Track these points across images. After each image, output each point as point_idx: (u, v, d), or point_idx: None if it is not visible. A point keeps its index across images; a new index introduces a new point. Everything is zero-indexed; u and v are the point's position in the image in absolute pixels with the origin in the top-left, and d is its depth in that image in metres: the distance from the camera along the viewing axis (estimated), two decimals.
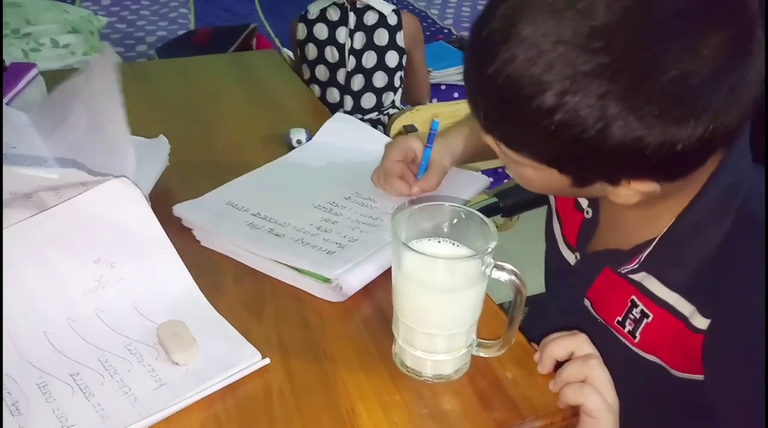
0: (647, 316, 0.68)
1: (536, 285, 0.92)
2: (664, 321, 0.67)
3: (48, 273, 0.64)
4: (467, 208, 0.58)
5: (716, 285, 0.61)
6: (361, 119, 1.68)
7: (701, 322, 0.63)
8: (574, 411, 0.59)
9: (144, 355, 0.62)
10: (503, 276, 0.56)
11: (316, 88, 1.77)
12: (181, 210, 0.81)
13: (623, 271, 0.69)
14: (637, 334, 0.70)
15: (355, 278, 0.71)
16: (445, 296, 0.55)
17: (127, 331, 0.65)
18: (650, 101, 0.50)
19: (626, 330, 0.71)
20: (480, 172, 0.95)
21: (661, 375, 0.70)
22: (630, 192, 0.59)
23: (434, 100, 1.87)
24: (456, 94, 1.82)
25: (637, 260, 0.67)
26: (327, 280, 0.71)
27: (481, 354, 0.61)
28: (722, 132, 0.52)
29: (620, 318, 0.71)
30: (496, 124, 0.59)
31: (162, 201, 0.83)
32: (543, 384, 0.61)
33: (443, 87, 2.04)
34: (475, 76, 0.56)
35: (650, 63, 0.49)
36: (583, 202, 0.77)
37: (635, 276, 0.68)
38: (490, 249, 0.54)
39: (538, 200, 1.19)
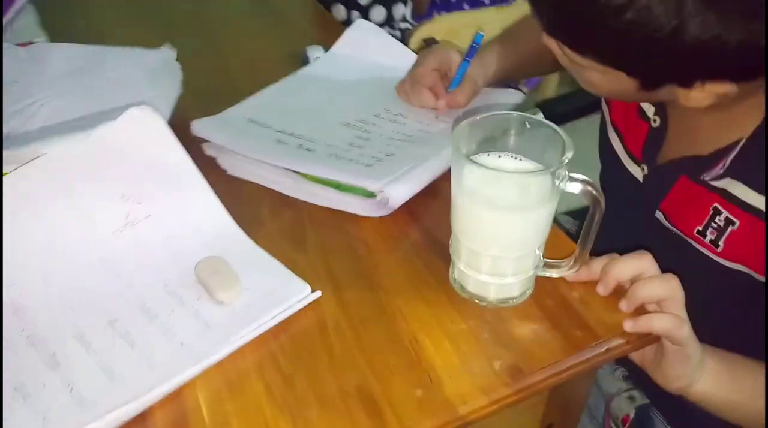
0: (732, 223, 0.64)
1: None
2: (753, 226, 0.62)
3: (76, 209, 0.59)
4: (535, 117, 0.52)
5: None
6: None
7: None
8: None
9: (185, 296, 0.58)
10: (578, 188, 0.50)
11: (320, 6, 1.65)
12: (200, 128, 0.75)
13: (707, 179, 0.63)
14: (721, 243, 0.65)
15: (402, 189, 0.65)
16: (515, 215, 0.50)
17: (163, 272, 0.60)
18: None
19: (708, 239, 0.66)
20: (512, 89, 0.88)
21: (744, 283, 0.66)
22: (703, 94, 0.54)
23: (442, 12, 1.75)
24: (466, 6, 1.70)
25: (722, 165, 0.62)
26: (371, 194, 0.66)
27: (552, 275, 0.57)
28: None
29: (701, 228, 0.67)
30: (560, 25, 0.55)
31: (179, 131, 0.76)
32: (613, 303, 0.57)
33: None
34: None
35: None
36: (649, 110, 0.71)
37: (718, 183, 0.63)
38: (566, 161, 0.48)
39: (582, 109, 1.13)
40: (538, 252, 0.55)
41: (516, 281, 0.55)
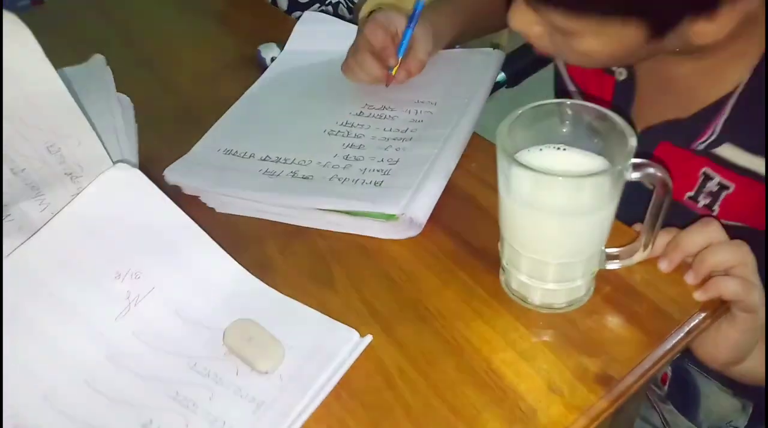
0: (727, 188, 0.60)
1: None
2: (749, 189, 0.59)
3: (64, 309, 0.50)
4: (576, 102, 0.47)
5: None
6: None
7: None
8: (723, 301, 0.52)
9: (221, 374, 0.51)
10: (639, 175, 0.45)
11: None
12: (174, 175, 0.66)
13: (697, 148, 0.59)
14: (716, 207, 0.62)
15: (424, 204, 0.59)
16: (585, 218, 0.45)
17: (187, 350, 0.52)
18: None
19: (701, 205, 0.63)
20: (491, 49, 0.82)
21: (745, 236, 0.63)
22: (724, 20, 0.49)
23: None
24: None
25: (711, 130, 0.58)
26: (392, 217, 0.59)
27: (620, 265, 0.52)
28: None
29: (692, 194, 0.63)
30: None
31: (148, 174, 0.67)
32: (678, 278, 0.54)
33: None
34: None
35: None
36: None
37: (711, 150, 0.59)
38: (629, 152, 0.43)
39: (542, 60, 1.08)
40: (604, 247, 0.50)
41: (584, 282, 0.50)
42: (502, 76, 1.06)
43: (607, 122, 0.45)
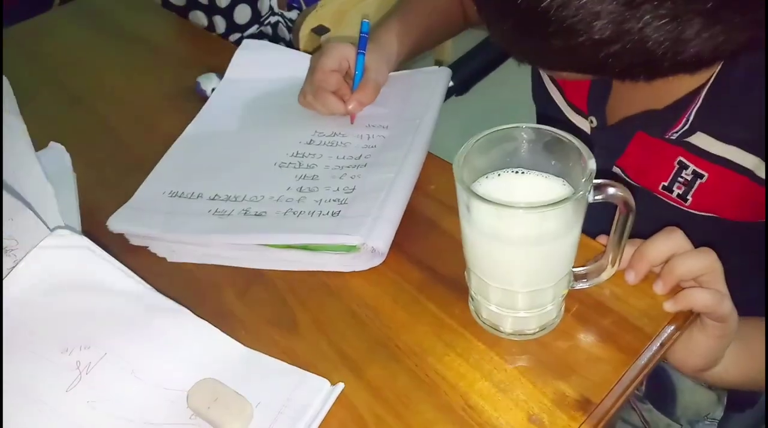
0: (701, 176, 0.61)
1: None
2: (723, 178, 0.59)
3: (9, 388, 0.46)
4: (533, 126, 0.45)
5: None
6: (241, 38, 1.42)
7: None
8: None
9: None
10: (601, 196, 0.44)
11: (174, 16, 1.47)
12: (118, 223, 0.63)
13: (671, 137, 0.60)
14: (689, 197, 0.63)
15: (385, 232, 0.58)
16: (548, 245, 0.44)
17: (150, 415, 0.49)
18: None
19: (675, 194, 0.63)
20: (438, 67, 0.81)
21: (716, 227, 0.64)
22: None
23: None
24: None
25: (684, 120, 0.58)
26: (353, 248, 0.57)
27: (589, 285, 0.51)
28: None
29: (666, 184, 0.64)
30: (541, 62, 0.52)
31: (91, 223, 0.63)
32: (647, 290, 0.53)
33: None
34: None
35: None
36: None
37: (684, 139, 0.60)
38: (589, 174, 0.42)
39: (490, 65, 1.08)
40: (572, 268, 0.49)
41: (554, 306, 0.49)
42: (450, 83, 1.05)
43: (564, 144, 0.44)
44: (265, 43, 0.87)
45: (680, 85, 0.59)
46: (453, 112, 1.12)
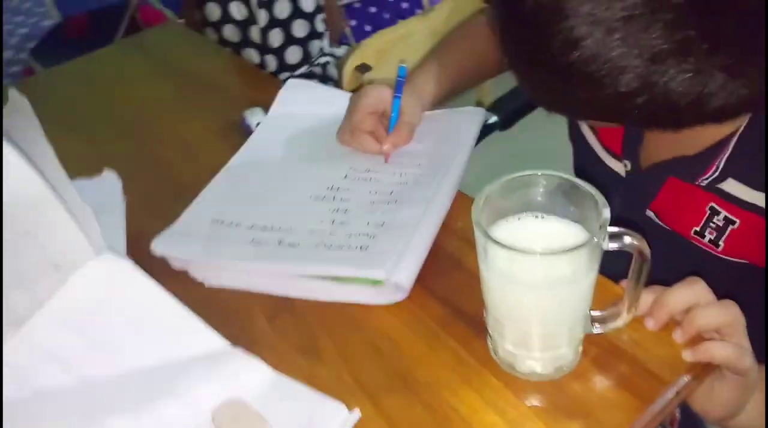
0: (733, 223, 0.61)
1: None
2: (754, 224, 0.60)
3: (56, 406, 0.50)
4: (551, 173, 0.47)
5: None
6: (291, 76, 1.48)
7: None
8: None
9: None
10: (617, 245, 0.46)
11: (227, 52, 1.55)
12: (162, 246, 0.66)
13: (701, 184, 0.61)
14: (721, 243, 0.63)
15: (409, 268, 0.60)
16: (564, 289, 0.46)
17: None
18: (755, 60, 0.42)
19: (707, 240, 0.64)
20: (472, 107, 0.83)
21: (749, 273, 0.64)
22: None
23: (353, 22, 1.67)
24: (373, 9, 1.62)
25: (714, 167, 0.59)
26: (378, 282, 0.60)
27: (606, 330, 0.52)
28: None
29: (698, 229, 0.64)
30: (570, 114, 0.53)
31: (135, 247, 0.68)
32: (666, 337, 0.54)
33: (357, 4, 1.81)
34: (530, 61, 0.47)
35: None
36: None
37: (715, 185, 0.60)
38: (605, 221, 0.44)
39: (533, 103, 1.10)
40: (589, 312, 0.50)
41: (570, 349, 0.50)
42: (494, 119, 1.07)
43: (580, 192, 0.46)
44: (309, 82, 0.91)
45: (712, 132, 0.60)
46: (495, 147, 1.14)
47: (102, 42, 1.24)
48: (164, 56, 1.09)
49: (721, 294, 0.54)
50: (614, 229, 0.46)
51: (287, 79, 0.91)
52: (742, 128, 0.58)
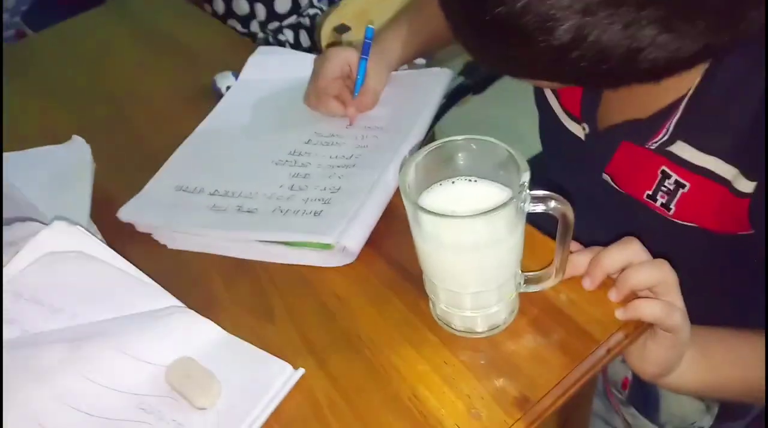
0: (683, 186, 0.62)
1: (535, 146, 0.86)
2: (704, 188, 0.60)
3: (8, 357, 0.53)
4: (481, 138, 0.48)
5: (762, 142, 0.54)
6: (279, 27, 1.48)
7: (745, 185, 0.57)
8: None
9: (164, 411, 0.53)
10: (542, 208, 0.47)
11: (220, 2, 1.54)
12: (127, 213, 0.69)
13: (651, 146, 0.61)
14: (672, 206, 0.64)
15: (358, 233, 0.62)
16: (487, 250, 0.47)
17: (133, 387, 0.55)
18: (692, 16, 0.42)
19: (658, 203, 0.64)
20: (438, 68, 0.83)
21: (700, 238, 0.65)
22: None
23: None
24: None
25: (665, 130, 0.59)
26: (328, 246, 0.62)
27: (535, 290, 0.54)
28: None
29: (650, 192, 0.65)
30: (509, 70, 0.51)
31: (103, 211, 0.70)
32: (602, 297, 0.55)
33: None
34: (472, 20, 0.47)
35: None
36: None
37: (665, 148, 0.61)
38: (523, 184, 0.45)
39: None
40: (518, 270, 0.52)
41: (501, 307, 0.52)
42: (461, 80, 1.07)
43: (505, 155, 0.47)
44: (278, 48, 0.92)
45: (664, 96, 0.60)
46: (468, 110, 1.14)
47: (94, 2, 1.25)
48: (147, 20, 1.11)
49: (672, 257, 0.55)
50: (539, 193, 0.47)
51: (277, 28, 0.91)
52: (691, 91, 0.58)
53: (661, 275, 0.52)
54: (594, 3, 0.41)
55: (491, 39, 0.47)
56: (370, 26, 0.78)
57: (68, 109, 0.89)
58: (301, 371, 0.54)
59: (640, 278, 0.53)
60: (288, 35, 1.53)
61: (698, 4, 0.41)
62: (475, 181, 0.51)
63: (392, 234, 0.64)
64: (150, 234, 0.69)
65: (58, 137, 0.79)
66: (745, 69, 0.54)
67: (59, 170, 0.63)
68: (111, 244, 0.62)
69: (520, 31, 0.43)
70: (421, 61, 1.16)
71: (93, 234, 0.57)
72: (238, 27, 1.51)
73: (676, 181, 0.62)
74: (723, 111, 0.56)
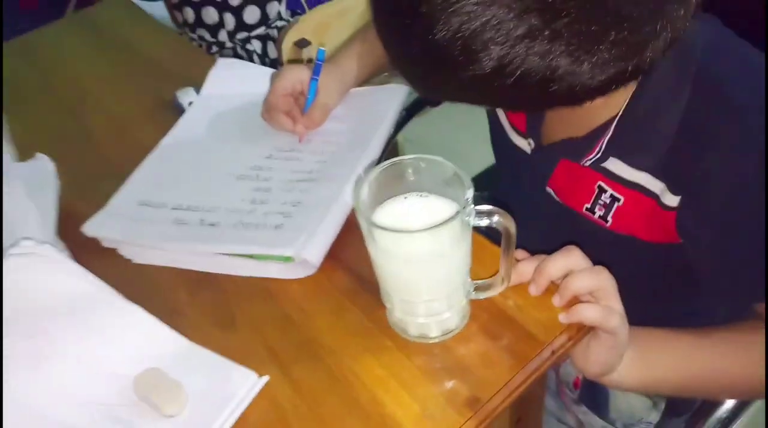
0: (618, 200, 0.66)
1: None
2: (636, 201, 0.65)
3: None
4: (429, 157, 0.52)
5: (685, 160, 0.59)
6: (248, 37, 1.50)
7: (671, 199, 0.62)
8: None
9: (133, 419, 0.56)
10: (486, 222, 0.51)
11: (189, 11, 1.55)
12: (92, 228, 0.71)
13: (586, 163, 0.65)
14: (609, 218, 0.68)
15: (317, 246, 0.64)
16: (436, 262, 0.51)
17: (103, 398, 0.57)
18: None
19: (597, 216, 0.69)
20: (394, 84, 0.87)
21: (636, 248, 0.69)
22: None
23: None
24: None
25: (598, 148, 0.64)
26: (288, 259, 0.64)
27: (484, 297, 0.58)
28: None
29: (588, 206, 0.69)
30: (437, 92, 0.53)
31: (69, 227, 0.71)
32: (547, 302, 0.59)
33: None
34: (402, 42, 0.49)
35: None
36: None
37: (599, 165, 0.65)
38: (468, 199, 0.48)
39: None
40: (467, 279, 0.55)
41: (453, 314, 0.56)
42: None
43: (452, 173, 0.51)
44: (238, 61, 0.94)
45: (599, 115, 0.64)
46: (427, 122, 1.18)
47: (54, 14, 1.25)
48: (108, 32, 1.12)
49: (611, 264, 0.58)
50: (484, 208, 0.50)
51: (245, 38, 0.92)
52: (621, 111, 0.62)
53: (600, 281, 0.57)
54: (513, 36, 0.44)
55: (423, 69, 0.49)
56: (322, 48, 0.81)
57: (30, 123, 0.90)
58: (266, 378, 0.56)
59: (581, 284, 0.57)
60: (256, 46, 1.55)
61: (599, 39, 0.44)
62: (426, 196, 0.54)
63: (351, 245, 0.67)
64: (115, 249, 0.70)
65: (20, 151, 0.80)
66: (672, 83, 0.59)
67: (25, 187, 0.64)
68: (76, 259, 0.64)
69: (448, 61, 0.46)
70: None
71: (61, 252, 0.59)
72: (207, 36, 1.53)
73: (612, 196, 0.67)
74: (650, 128, 0.61)
